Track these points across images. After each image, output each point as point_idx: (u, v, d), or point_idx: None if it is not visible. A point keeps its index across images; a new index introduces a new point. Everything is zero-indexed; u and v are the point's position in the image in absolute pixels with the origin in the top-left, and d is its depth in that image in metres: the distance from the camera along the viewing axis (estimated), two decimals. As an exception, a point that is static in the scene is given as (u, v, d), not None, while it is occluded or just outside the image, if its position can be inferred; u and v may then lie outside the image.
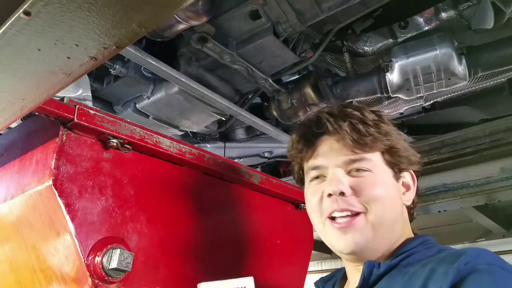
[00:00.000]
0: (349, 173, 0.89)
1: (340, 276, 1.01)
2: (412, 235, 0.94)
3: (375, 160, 0.90)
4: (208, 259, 1.07)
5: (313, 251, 1.45)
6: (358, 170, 0.89)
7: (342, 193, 0.87)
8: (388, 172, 0.91)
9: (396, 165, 0.92)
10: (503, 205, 3.28)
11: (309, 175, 0.95)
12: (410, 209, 0.97)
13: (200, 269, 1.05)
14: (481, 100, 2.10)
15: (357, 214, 0.86)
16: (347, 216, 0.86)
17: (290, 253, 1.33)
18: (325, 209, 0.89)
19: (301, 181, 1.02)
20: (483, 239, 3.73)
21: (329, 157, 0.92)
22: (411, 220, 0.97)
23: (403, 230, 0.92)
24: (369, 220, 0.86)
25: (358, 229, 0.86)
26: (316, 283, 1.08)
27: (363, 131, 0.89)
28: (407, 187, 0.95)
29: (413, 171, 0.97)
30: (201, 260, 1.06)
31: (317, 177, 0.93)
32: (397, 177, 0.93)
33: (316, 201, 0.91)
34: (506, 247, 3.62)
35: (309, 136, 0.96)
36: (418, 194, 0.98)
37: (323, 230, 0.91)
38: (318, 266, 4.80)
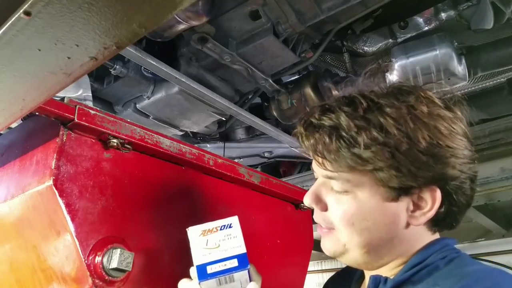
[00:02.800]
0: (331, 185, 0.80)
1: (357, 275, 0.95)
2: (427, 239, 0.80)
3: (354, 179, 0.75)
4: (208, 259, 1.07)
5: (313, 251, 1.45)
6: (337, 190, 0.78)
7: (310, 205, 0.83)
8: (376, 194, 0.75)
9: (388, 182, 0.73)
10: (502, 205, 3.29)
11: (314, 173, 0.89)
12: (434, 220, 0.78)
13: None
14: (481, 100, 2.10)
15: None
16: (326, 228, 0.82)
17: (290, 253, 1.34)
18: None
19: None
20: (483, 239, 3.73)
21: (315, 167, 0.84)
22: (439, 230, 0.82)
23: (410, 245, 0.79)
24: (341, 240, 0.79)
25: (330, 242, 0.81)
26: (331, 283, 1.03)
27: (329, 148, 0.75)
28: (418, 206, 0.76)
29: (443, 185, 0.74)
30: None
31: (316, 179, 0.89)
32: (393, 197, 0.75)
33: None
34: (506, 247, 3.62)
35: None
36: (453, 204, 0.77)
37: None
38: (318, 266, 4.80)
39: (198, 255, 0.84)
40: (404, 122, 0.72)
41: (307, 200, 0.83)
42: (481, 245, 3.67)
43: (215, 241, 0.85)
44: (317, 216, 0.84)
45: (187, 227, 0.88)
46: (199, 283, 0.81)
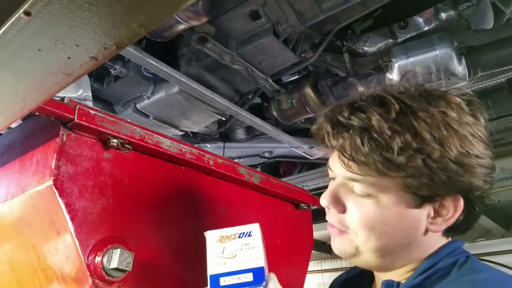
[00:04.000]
0: (352, 188, 0.78)
1: (366, 278, 0.93)
2: (440, 244, 0.79)
3: (380, 184, 0.73)
4: (208, 259, 1.07)
5: (313, 251, 1.45)
6: (358, 193, 0.76)
7: (328, 207, 0.81)
8: (400, 200, 0.73)
9: (417, 190, 0.72)
10: (502, 205, 3.28)
11: (329, 172, 0.86)
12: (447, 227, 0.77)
13: (201, 269, 1.05)
14: (481, 100, 2.10)
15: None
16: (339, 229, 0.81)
17: (290, 253, 1.34)
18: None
19: None
20: (483, 239, 3.73)
21: (335, 167, 0.81)
22: (452, 235, 0.81)
23: (423, 251, 0.78)
24: (355, 242, 0.78)
25: (343, 243, 0.80)
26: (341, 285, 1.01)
27: (360, 150, 0.71)
28: (439, 213, 0.75)
29: (466, 195, 0.74)
30: (201, 260, 1.06)
31: (332, 178, 0.84)
32: (417, 204, 0.74)
33: None
34: (506, 247, 3.62)
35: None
36: (472, 212, 0.77)
37: None
38: (318, 266, 4.80)
39: (213, 264, 0.80)
40: (437, 128, 0.70)
41: (325, 201, 0.81)
42: (481, 245, 3.67)
43: (232, 250, 0.81)
44: (332, 217, 0.81)
45: (205, 231, 0.84)
46: None
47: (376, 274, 0.88)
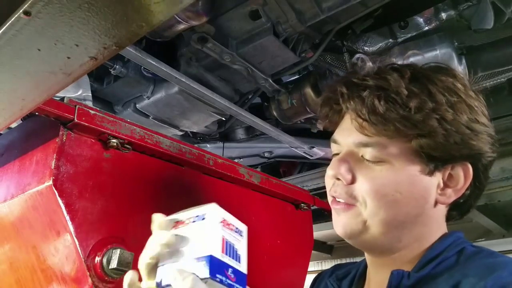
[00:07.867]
0: (361, 157, 0.75)
1: (359, 272, 0.89)
2: (444, 232, 0.79)
3: (393, 147, 0.72)
4: (208, 259, 1.07)
5: (313, 251, 1.45)
6: (370, 159, 0.73)
7: (338, 179, 0.76)
8: (413, 165, 0.72)
9: (430, 156, 0.72)
10: (503, 205, 3.29)
11: (332, 147, 0.83)
12: (455, 202, 0.78)
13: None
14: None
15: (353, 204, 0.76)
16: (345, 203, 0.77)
17: (290, 253, 1.33)
18: (328, 190, 0.80)
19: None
20: (483, 239, 3.73)
21: (343, 136, 0.78)
22: (454, 216, 0.81)
23: (429, 229, 0.77)
24: (363, 216, 0.74)
25: (349, 218, 0.75)
26: (329, 281, 0.95)
27: (376, 109, 0.70)
28: (448, 184, 0.75)
29: (475, 163, 0.75)
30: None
31: (337, 154, 0.81)
32: (430, 170, 0.73)
33: (327, 181, 0.81)
34: (506, 247, 3.62)
35: (335, 106, 0.81)
36: (478, 186, 0.78)
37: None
38: (318, 266, 4.80)
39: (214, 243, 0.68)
40: (449, 94, 0.72)
41: (333, 171, 0.76)
42: (482, 245, 3.67)
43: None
44: (339, 189, 0.76)
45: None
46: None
47: (371, 269, 0.84)
